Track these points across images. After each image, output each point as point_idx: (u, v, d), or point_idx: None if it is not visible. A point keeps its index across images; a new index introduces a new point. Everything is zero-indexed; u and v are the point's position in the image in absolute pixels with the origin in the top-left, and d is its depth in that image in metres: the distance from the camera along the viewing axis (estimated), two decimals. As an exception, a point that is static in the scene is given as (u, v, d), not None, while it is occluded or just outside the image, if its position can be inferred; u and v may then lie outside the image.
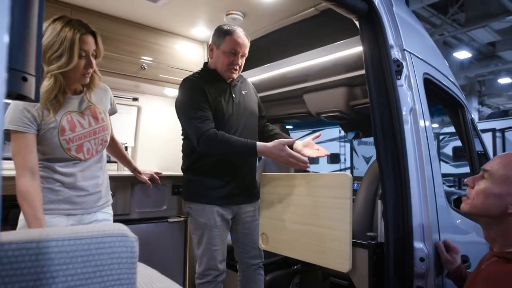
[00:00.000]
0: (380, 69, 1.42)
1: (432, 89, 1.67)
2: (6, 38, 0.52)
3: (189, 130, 1.67)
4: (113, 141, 1.72)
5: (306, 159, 1.58)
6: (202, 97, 1.66)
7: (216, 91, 1.72)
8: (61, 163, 1.38)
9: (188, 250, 2.22)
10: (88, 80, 1.42)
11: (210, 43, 1.77)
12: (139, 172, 1.94)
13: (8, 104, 1.30)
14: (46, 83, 1.30)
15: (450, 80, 1.80)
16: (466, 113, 1.88)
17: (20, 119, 1.26)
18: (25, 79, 0.60)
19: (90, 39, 1.36)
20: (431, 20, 9.26)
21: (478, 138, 1.97)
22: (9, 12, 0.54)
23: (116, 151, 1.80)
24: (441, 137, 10.96)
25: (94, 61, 1.39)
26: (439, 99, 1.87)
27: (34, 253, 0.61)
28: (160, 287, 0.92)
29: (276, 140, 1.58)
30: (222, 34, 1.71)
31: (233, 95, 1.77)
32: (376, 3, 1.45)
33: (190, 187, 1.75)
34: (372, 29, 1.45)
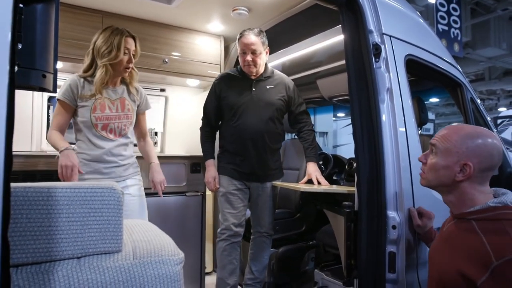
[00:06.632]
0: (360, 54, 1.54)
1: (420, 69, 1.72)
2: (30, 47, 0.79)
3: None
4: (144, 140, 2.02)
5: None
6: (214, 98, 2.13)
7: (235, 84, 2.09)
8: (94, 137, 1.74)
9: (205, 221, 2.52)
10: (127, 73, 1.80)
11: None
12: (153, 181, 1.96)
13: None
14: (100, 72, 1.70)
15: (445, 60, 1.82)
16: (465, 92, 1.89)
17: (63, 93, 1.70)
18: (44, 76, 0.87)
19: (131, 41, 1.77)
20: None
21: (482, 117, 1.96)
22: (34, 30, 0.80)
23: (143, 150, 2.04)
24: (499, 121, 10.07)
25: (133, 59, 1.78)
26: (431, 79, 1.89)
27: (46, 195, 0.90)
28: (151, 234, 1.18)
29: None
30: (238, 38, 2.03)
31: (253, 89, 2.06)
32: (357, -9, 1.55)
33: (218, 162, 2.16)
34: (352, 17, 1.55)
